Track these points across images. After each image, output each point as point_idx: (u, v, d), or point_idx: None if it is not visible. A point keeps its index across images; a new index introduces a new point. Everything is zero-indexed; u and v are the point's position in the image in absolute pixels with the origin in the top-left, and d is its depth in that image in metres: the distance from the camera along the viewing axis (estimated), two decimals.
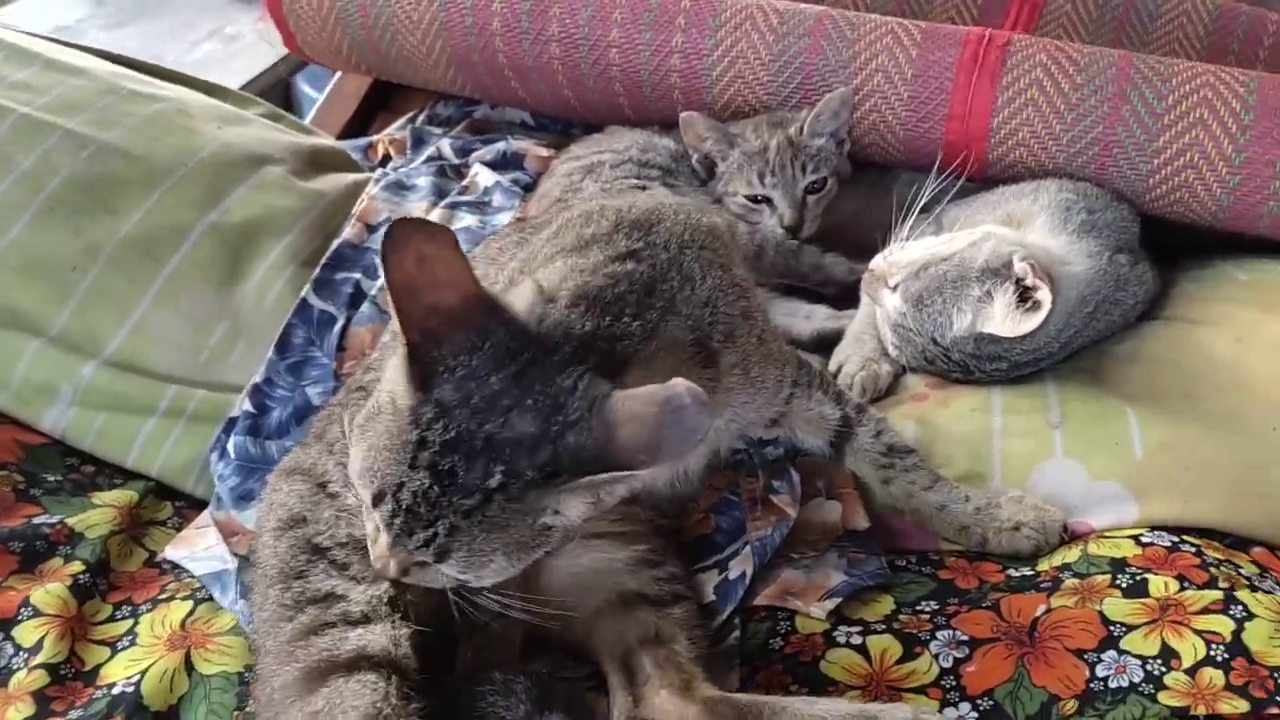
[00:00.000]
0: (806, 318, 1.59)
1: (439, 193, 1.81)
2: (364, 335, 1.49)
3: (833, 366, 1.48)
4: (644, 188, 1.63)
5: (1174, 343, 1.39)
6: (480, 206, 1.78)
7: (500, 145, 1.96)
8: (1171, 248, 1.60)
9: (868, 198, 1.82)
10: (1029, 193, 1.53)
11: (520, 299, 0.98)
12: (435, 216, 1.72)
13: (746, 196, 1.67)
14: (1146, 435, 1.25)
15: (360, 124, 2.30)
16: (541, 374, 0.89)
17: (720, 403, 1.09)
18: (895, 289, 1.41)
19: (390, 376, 0.92)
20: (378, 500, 0.88)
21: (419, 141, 2.08)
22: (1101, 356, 1.40)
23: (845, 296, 1.64)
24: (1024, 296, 1.30)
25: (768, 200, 1.66)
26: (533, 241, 1.21)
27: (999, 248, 1.35)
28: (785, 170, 1.64)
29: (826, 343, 1.55)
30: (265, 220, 1.62)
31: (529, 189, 1.84)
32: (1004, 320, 1.29)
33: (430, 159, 1.96)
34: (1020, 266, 1.30)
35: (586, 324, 0.95)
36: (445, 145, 2.01)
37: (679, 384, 0.84)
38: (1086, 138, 1.54)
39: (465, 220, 1.71)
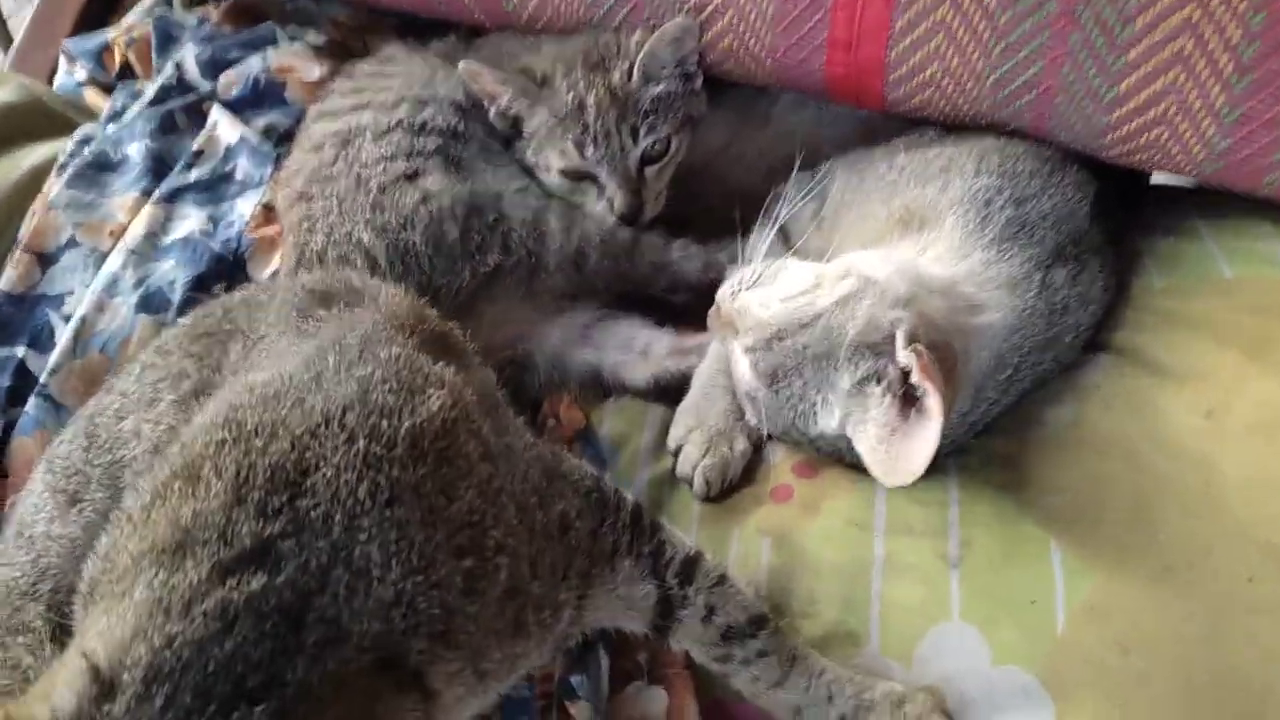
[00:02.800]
0: (642, 354, 1.19)
1: (156, 172, 1.33)
2: (31, 449, 1.09)
3: (671, 444, 1.11)
4: (416, 173, 1.18)
5: (1124, 408, 1.02)
6: (214, 188, 1.32)
7: (255, 64, 1.45)
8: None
9: (738, 125, 1.36)
10: (936, 176, 1.09)
11: (63, 697, 0.62)
12: (145, 220, 1.26)
13: (563, 171, 1.21)
14: (1073, 588, 0.91)
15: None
16: None
17: None
18: (746, 351, 1.01)
19: None
20: None
21: (166, 40, 1.56)
22: (1023, 430, 1.03)
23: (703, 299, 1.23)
24: (909, 394, 0.92)
25: (591, 177, 1.21)
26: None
27: (876, 313, 0.95)
28: (611, 137, 1.18)
29: (669, 390, 1.17)
30: None
31: (289, 138, 1.37)
32: (879, 443, 0.92)
33: (165, 92, 1.45)
34: (905, 356, 0.91)
35: None
36: (189, 56, 1.50)
37: None
38: (1018, 79, 1.08)
39: (188, 222, 1.27)
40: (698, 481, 1.07)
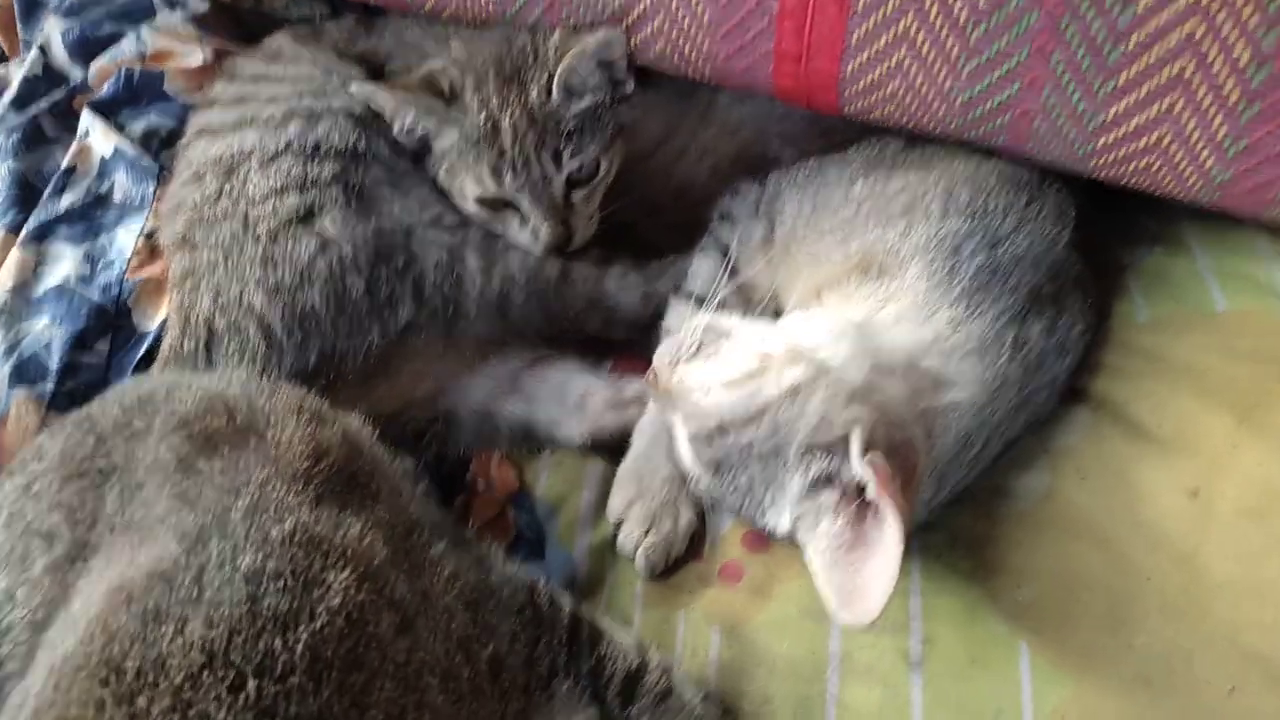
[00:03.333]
0: (578, 407, 1.08)
1: (22, 200, 1.17)
2: None
3: (611, 517, 1.02)
4: (311, 212, 1.03)
5: (1101, 481, 0.93)
6: (89, 216, 1.16)
7: (128, 48, 1.27)
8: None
9: (677, 117, 1.21)
10: (898, 217, 0.96)
11: None
12: (12, 269, 1.11)
13: (480, 200, 1.07)
14: (1042, 697, 0.85)
15: None
16: None
17: None
18: (688, 440, 0.91)
19: None
20: None
21: (31, 8, 1.37)
22: (992, 503, 0.95)
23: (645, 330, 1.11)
24: (865, 501, 0.82)
25: (513, 205, 1.07)
26: None
27: (829, 410, 0.84)
28: (531, 163, 1.03)
29: (609, 447, 1.07)
30: None
31: (173, 141, 1.20)
32: (832, 563, 0.83)
33: (29, 87, 1.27)
34: (860, 467, 0.81)
35: None
36: (55, 34, 1.32)
37: None
38: (991, 100, 0.94)
39: (61, 265, 1.12)
40: (640, 561, 0.98)
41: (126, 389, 0.91)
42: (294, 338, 1.00)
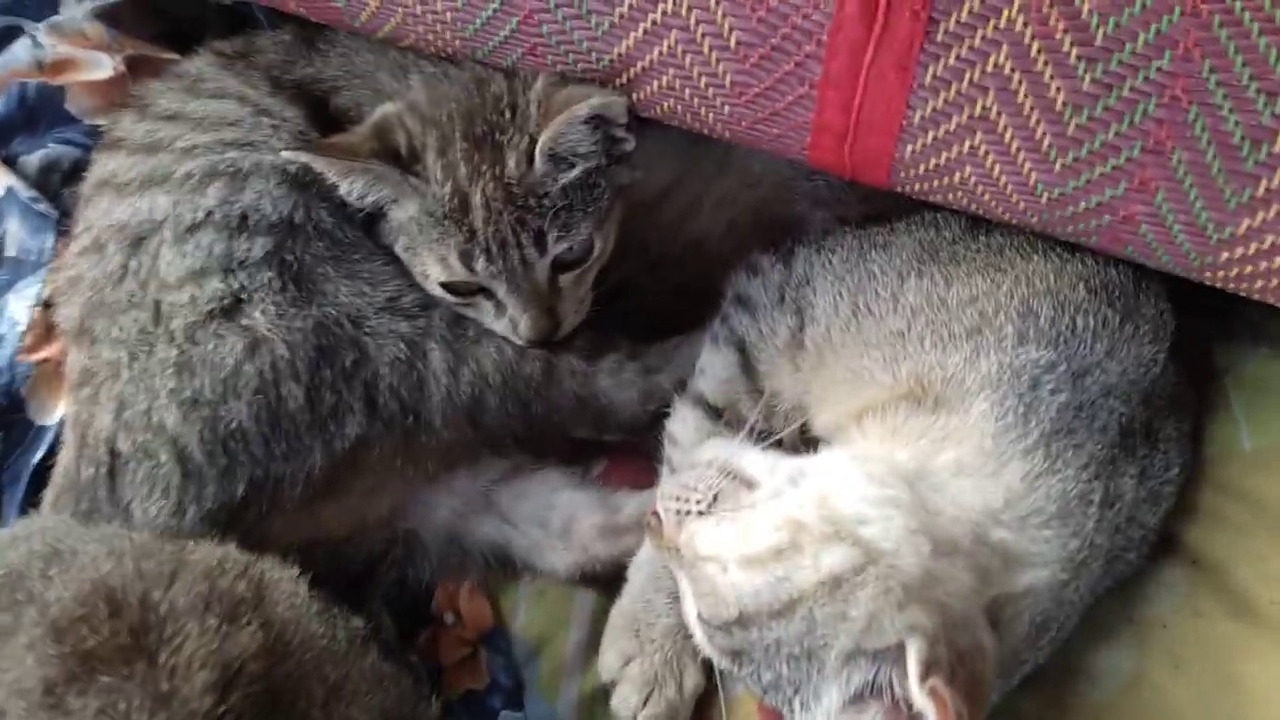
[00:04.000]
0: (563, 533, 0.91)
1: None
2: None
3: (604, 675, 0.86)
4: (238, 302, 0.84)
5: (1198, 673, 0.77)
6: None
7: (21, 55, 1.05)
8: None
9: (688, 163, 1.01)
10: (961, 339, 0.77)
11: None
12: None
13: (446, 285, 0.87)
14: None
15: None
16: None
17: None
18: (698, 619, 0.75)
19: None
20: None
21: None
22: (1065, 685, 0.79)
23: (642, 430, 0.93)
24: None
25: (486, 291, 0.88)
26: None
27: (879, 612, 0.67)
28: (509, 247, 0.84)
29: (600, 581, 0.90)
30: None
31: (73, 177, 1.00)
32: None
33: None
34: (921, 698, 0.64)
35: None
36: None
37: None
38: (1088, 200, 0.74)
39: None
40: None
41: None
42: (217, 464, 0.81)
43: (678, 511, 0.76)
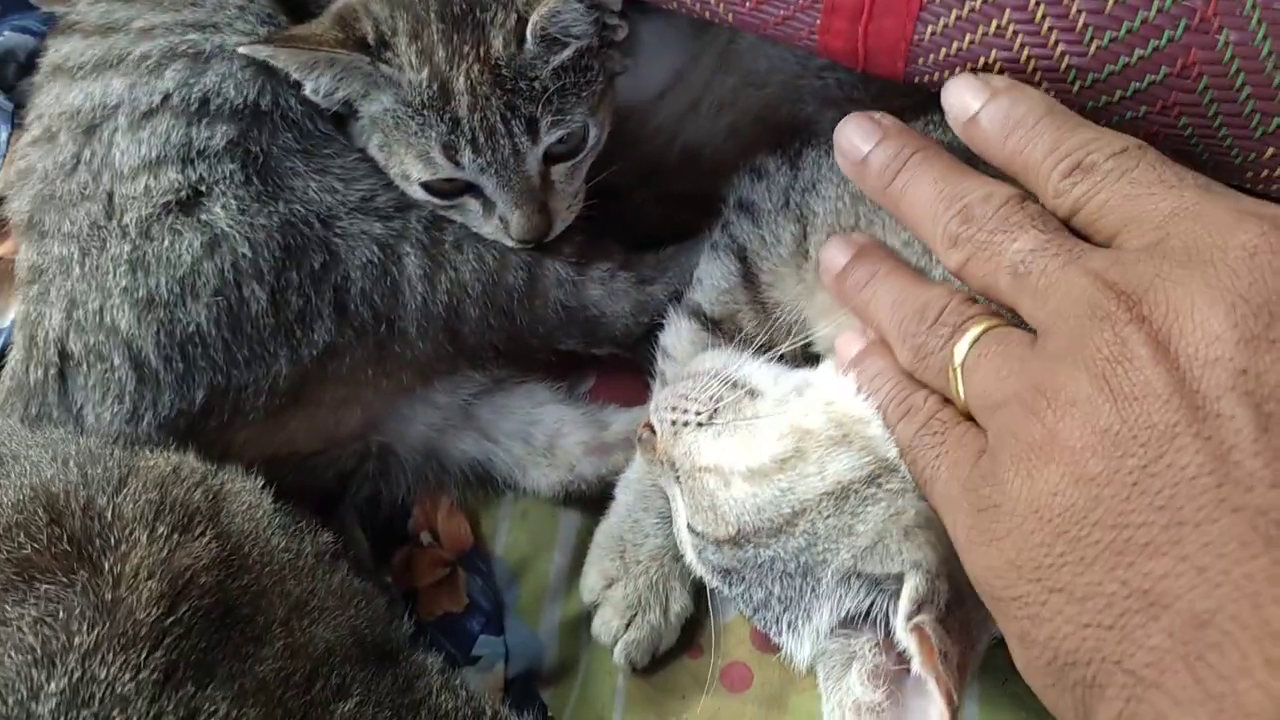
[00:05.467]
0: (547, 450, 0.85)
1: None
2: None
3: (585, 596, 0.82)
4: (197, 194, 0.78)
5: None
6: None
7: None
8: None
9: (687, 60, 0.94)
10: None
11: None
12: None
13: (428, 186, 0.81)
14: None
15: None
16: None
17: None
18: (690, 531, 0.70)
19: None
20: None
21: None
22: None
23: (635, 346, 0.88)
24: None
25: (474, 188, 0.81)
26: None
27: (888, 534, 0.62)
28: (498, 135, 0.77)
29: (585, 501, 0.85)
30: None
31: (30, 69, 0.93)
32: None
33: None
34: (904, 634, 0.60)
35: None
36: None
37: None
38: (1127, 86, 0.68)
39: None
40: (618, 658, 0.79)
41: None
42: (174, 369, 0.76)
43: (674, 422, 0.71)
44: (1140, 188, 0.52)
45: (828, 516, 0.63)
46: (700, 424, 0.70)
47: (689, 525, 0.69)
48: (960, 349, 0.53)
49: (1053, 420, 0.43)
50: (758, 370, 0.72)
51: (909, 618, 0.59)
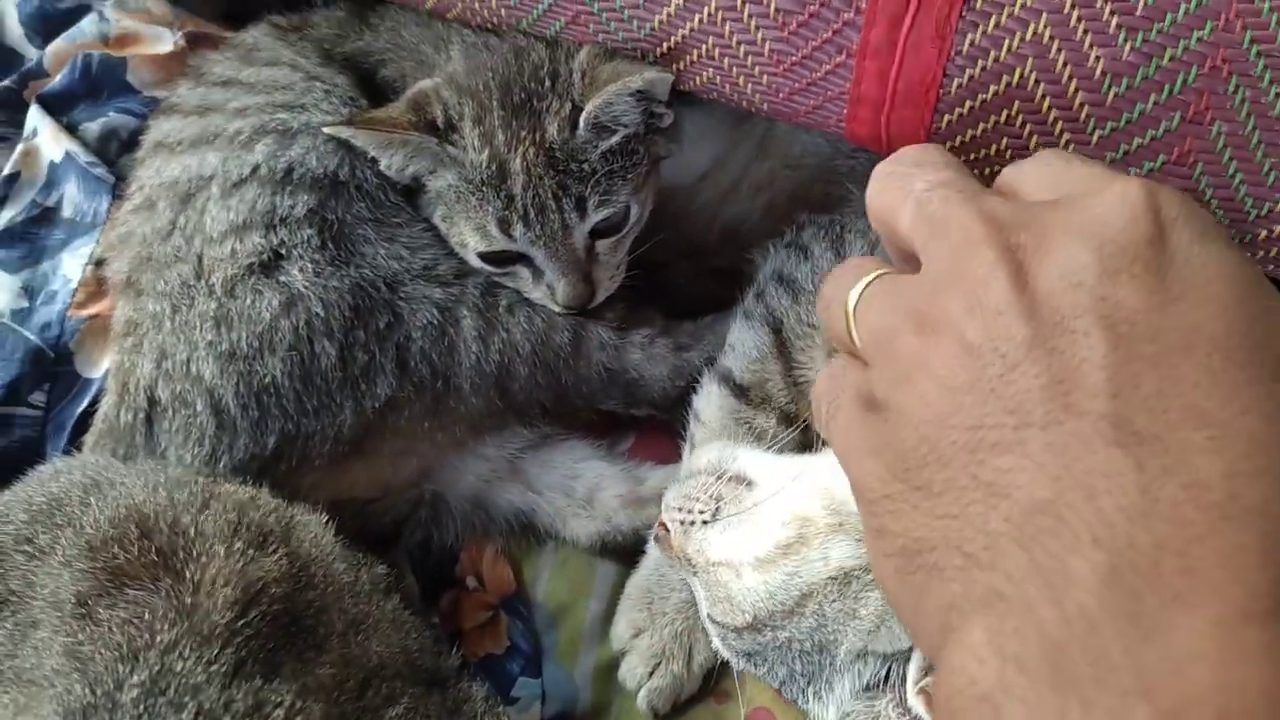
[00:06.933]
0: (586, 502, 0.91)
1: None
2: None
3: (614, 645, 0.86)
4: (278, 258, 0.86)
5: None
6: (31, 237, 1.00)
7: (88, 30, 1.09)
8: None
9: (727, 145, 1.02)
10: None
11: None
12: None
13: (484, 256, 0.89)
14: None
15: None
16: None
17: None
18: (710, 621, 0.75)
19: None
20: None
21: None
22: None
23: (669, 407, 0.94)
24: None
25: (525, 258, 0.89)
26: None
27: (889, 618, 0.67)
28: (548, 212, 0.85)
29: (620, 552, 0.90)
30: None
31: (132, 145, 1.03)
32: None
33: None
34: (915, 700, 0.64)
35: None
36: (10, 8, 1.14)
37: None
38: (1131, 142, 0.73)
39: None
40: (641, 704, 0.83)
41: (35, 488, 0.75)
42: (250, 416, 0.83)
43: (682, 522, 0.76)
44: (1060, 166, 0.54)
45: (833, 600, 0.68)
46: (706, 521, 0.75)
47: (709, 616, 0.74)
48: (854, 293, 0.54)
49: (929, 337, 0.47)
50: (752, 460, 0.77)
51: (916, 683, 0.63)
